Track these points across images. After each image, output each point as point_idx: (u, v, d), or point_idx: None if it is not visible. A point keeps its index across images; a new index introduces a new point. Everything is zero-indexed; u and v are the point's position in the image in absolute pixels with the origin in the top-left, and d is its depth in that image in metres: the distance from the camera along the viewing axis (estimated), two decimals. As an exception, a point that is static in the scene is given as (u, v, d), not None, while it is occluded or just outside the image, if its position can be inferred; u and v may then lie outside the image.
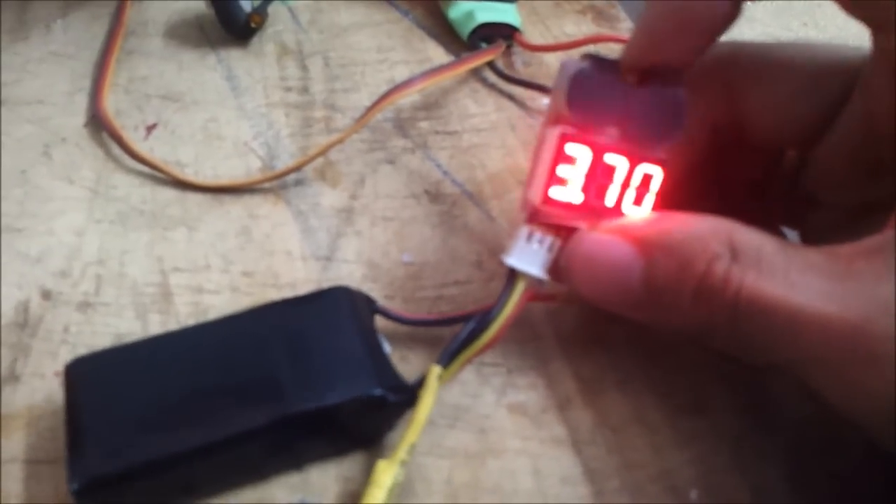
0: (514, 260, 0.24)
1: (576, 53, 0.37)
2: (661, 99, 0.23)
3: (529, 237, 0.24)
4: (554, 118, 0.24)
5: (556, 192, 0.23)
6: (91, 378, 0.22)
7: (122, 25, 0.38)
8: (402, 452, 0.21)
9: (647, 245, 0.21)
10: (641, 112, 0.23)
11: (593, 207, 0.24)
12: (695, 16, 0.23)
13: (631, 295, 0.22)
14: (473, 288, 0.28)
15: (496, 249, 0.29)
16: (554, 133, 0.23)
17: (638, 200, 0.24)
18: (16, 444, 0.23)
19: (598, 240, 0.23)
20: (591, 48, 0.38)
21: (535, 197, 0.23)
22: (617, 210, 0.24)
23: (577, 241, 0.23)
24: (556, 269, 0.24)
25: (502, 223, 0.30)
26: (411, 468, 0.22)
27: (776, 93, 0.25)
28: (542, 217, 0.24)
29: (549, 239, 0.24)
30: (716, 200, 0.24)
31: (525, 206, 0.24)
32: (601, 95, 0.23)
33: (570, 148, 0.23)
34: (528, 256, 0.24)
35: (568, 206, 0.24)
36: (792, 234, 0.28)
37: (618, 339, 0.26)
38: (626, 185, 0.23)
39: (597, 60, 0.24)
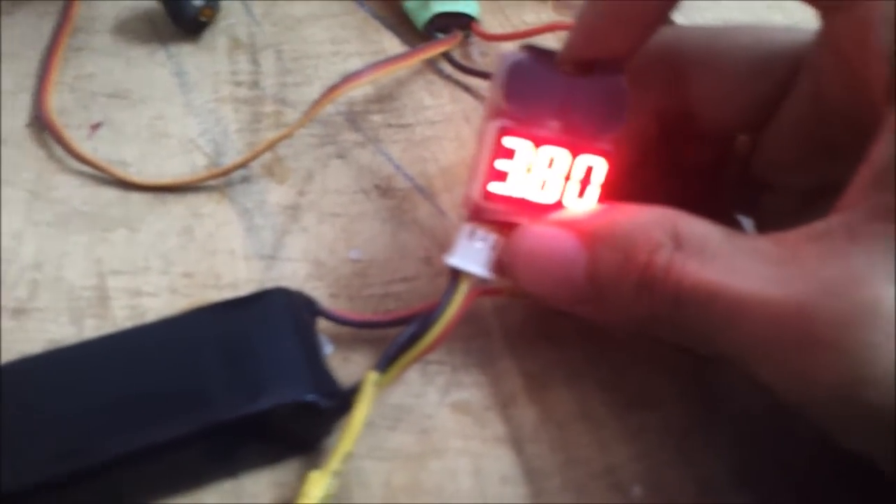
0: (457, 260, 0.23)
1: (535, 42, 0.37)
2: (602, 88, 0.23)
3: (471, 235, 0.23)
4: (493, 111, 0.23)
5: (496, 188, 0.23)
6: (14, 385, 0.21)
7: (70, 22, 0.37)
8: (334, 462, 0.21)
9: (590, 237, 0.21)
10: (582, 102, 0.23)
11: (535, 203, 0.23)
12: (630, 11, 0.22)
13: (575, 289, 0.21)
14: (421, 284, 0.27)
15: (446, 245, 0.28)
16: (492, 126, 0.23)
17: (581, 193, 0.23)
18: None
19: (540, 233, 0.22)
20: (549, 36, 0.37)
21: (475, 193, 0.23)
22: (559, 204, 0.23)
23: (519, 235, 0.22)
24: (500, 264, 0.23)
25: (452, 217, 0.30)
26: (350, 472, 0.22)
27: (721, 77, 0.24)
28: (483, 214, 0.23)
29: (491, 237, 0.23)
30: (667, 189, 0.24)
31: (466, 203, 0.23)
32: (540, 87, 0.23)
33: (509, 141, 0.23)
34: (471, 255, 0.23)
35: (509, 202, 0.23)
36: (748, 224, 0.27)
37: (566, 334, 0.26)
38: (567, 177, 0.23)
39: (534, 51, 0.23)
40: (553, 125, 0.23)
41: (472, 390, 0.24)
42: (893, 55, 0.19)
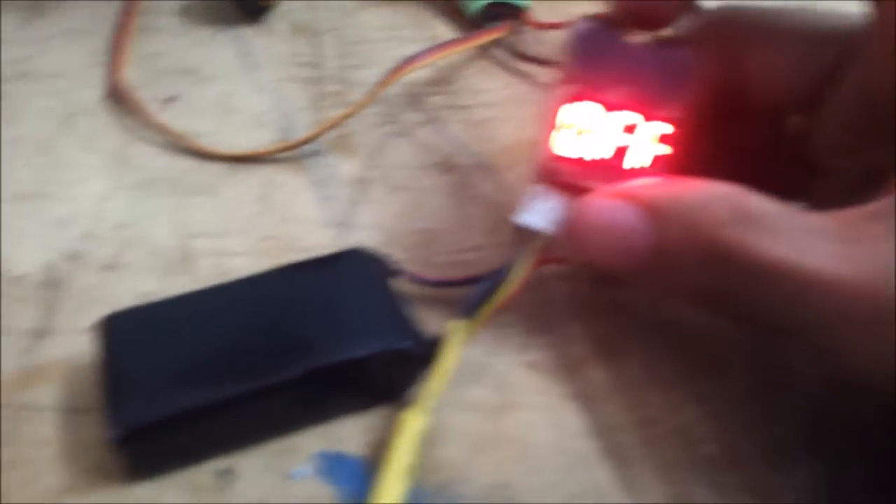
0: (525, 217, 0.24)
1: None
2: (670, 58, 0.24)
3: (539, 196, 0.24)
4: (565, 77, 0.24)
5: (564, 149, 0.24)
6: (124, 333, 0.23)
7: (137, 3, 0.39)
8: (428, 400, 0.22)
9: (654, 210, 0.21)
10: (651, 71, 0.24)
11: (601, 165, 0.24)
12: None
13: (637, 261, 0.22)
14: (486, 254, 0.29)
15: (509, 218, 0.30)
16: (564, 91, 0.24)
17: (647, 158, 0.24)
18: (50, 393, 0.24)
19: (604, 205, 0.23)
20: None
21: (545, 154, 0.24)
22: (626, 168, 0.24)
23: (582, 205, 0.23)
24: (565, 229, 0.24)
25: (515, 193, 0.31)
26: (433, 421, 0.23)
27: (778, 54, 0.25)
28: (551, 175, 0.24)
29: (557, 198, 0.24)
30: (719, 169, 0.25)
31: (536, 168, 0.25)
32: (610, 54, 0.24)
33: (580, 105, 0.24)
34: (538, 214, 0.24)
35: (576, 164, 0.24)
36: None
37: (632, 303, 0.27)
38: (635, 142, 0.24)
39: (605, 20, 0.24)
40: (622, 91, 0.24)
41: (544, 351, 0.26)
42: None
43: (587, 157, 0.24)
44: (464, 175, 0.32)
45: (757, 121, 0.28)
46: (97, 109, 0.34)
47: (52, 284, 0.27)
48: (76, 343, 0.25)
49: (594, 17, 0.24)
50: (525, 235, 0.25)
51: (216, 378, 0.22)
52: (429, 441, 0.23)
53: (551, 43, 0.38)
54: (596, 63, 0.24)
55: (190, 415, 0.21)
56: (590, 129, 0.24)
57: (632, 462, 0.23)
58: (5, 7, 0.39)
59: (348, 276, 0.24)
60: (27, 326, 0.26)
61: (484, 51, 0.37)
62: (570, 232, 0.23)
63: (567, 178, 0.24)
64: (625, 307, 0.27)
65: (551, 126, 0.24)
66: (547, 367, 0.25)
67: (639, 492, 0.22)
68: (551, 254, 0.26)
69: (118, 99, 0.34)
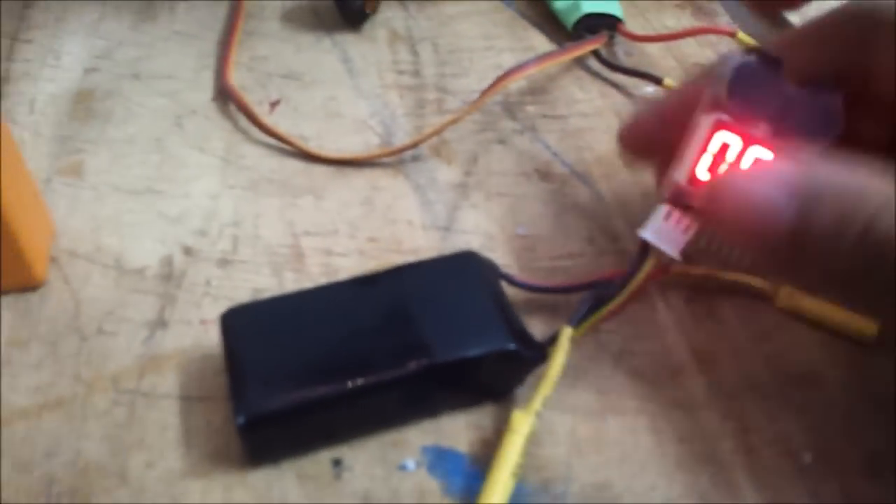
0: (650, 235, 0.25)
1: (678, 45, 0.38)
2: (819, 103, 0.24)
3: (667, 216, 0.25)
4: (711, 105, 0.24)
5: (702, 175, 0.24)
6: (246, 326, 0.24)
7: (243, 8, 0.40)
8: (536, 403, 0.23)
9: (805, 189, 0.21)
10: (797, 113, 0.24)
11: None
12: None
13: (775, 238, 0.21)
14: (585, 261, 0.29)
15: (606, 227, 0.30)
16: (709, 119, 0.24)
17: None
18: (169, 381, 0.25)
19: (753, 176, 0.22)
20: (690, 40, 0.39)
21: (681, 177, 0.24)
22: None
23: (730, 174, 0.23)
24: (703, 204, 0.24)
25: (611, 203, 0.31)
26: (537, 422, 0.24)
27: None
28: (684, 197, 0.25)
29: (685, 221, 0.25)
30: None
31: (667, 186, 0.25)
32: (761, 90, 0.24)
33: (723, 136, 0.24)
34: (664, 234, 0.25)
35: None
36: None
37: (729, 314, 0.27)
38: None
39: (762, 55, 0.25)
40: (765, 128, 0.24)
41: (643, 358, 0.26)
42: None
43: None
44: (560, 183, 0.32)
45: (881, 115, 0.27)
46: (207, 110, 0.35)
47: (168, 278, 0.29)
48: (192, 334, 0.27)
49: (754, 51, 0.25)
50: (646, 246, 0.25)
51: (333, 371, 0.23)
52: (533, 441, 0.23)
53: (644, 55, 0.39)
54: (745, 96, 0.24)
55: (308, 405, 0.22)
56: (729, 160, 0.24)
57: (730, 468, 0.23)
58: (118, 10, 0.41)
59: (461, 278, 0.25)
60: (146, 318, 0.27)
61: (579, 61, 0.38)
62: (712, 196, 0.23)
63: (696, 202, 0.25)
64: (721, 319, 0.27)
65: (699, 151, 0.24)
66: (646, 374, 0.26)
67: (737, 497, 0.23)
68: (662, 268, 0.26)
69: (226, 100, 0.35)
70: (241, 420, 0.22)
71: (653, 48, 0.39)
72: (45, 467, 0.23)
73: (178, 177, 0.32)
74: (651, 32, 0.40)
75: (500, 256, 0.29)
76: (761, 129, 0.24)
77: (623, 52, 0.39)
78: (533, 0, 0.42)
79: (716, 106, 0.24)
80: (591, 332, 0.26)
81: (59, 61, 0.38)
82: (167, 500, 0.23)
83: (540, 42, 0.40)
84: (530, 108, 0.36)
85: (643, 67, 0.37)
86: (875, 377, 0.26)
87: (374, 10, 0.40)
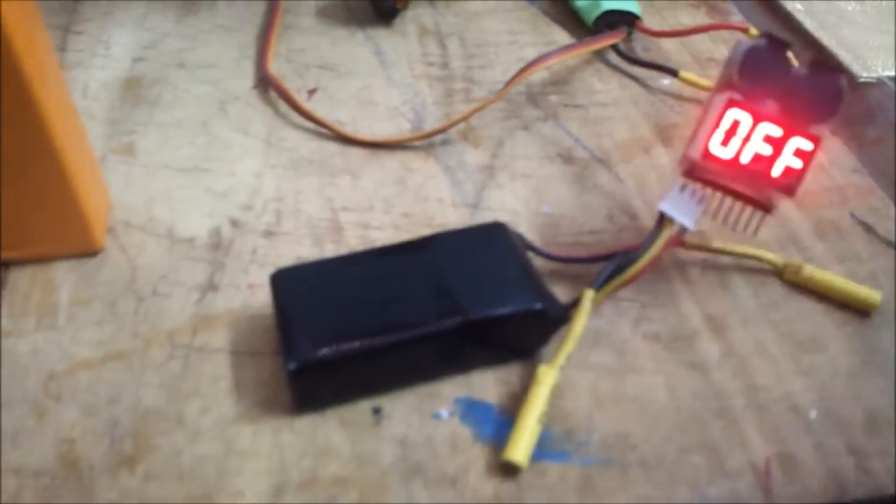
0: (667, 206, 0.27)
1: (693, 39, 0.41)
2: (823, 83, 0.26)
3: (683, 189, 0.27)
4: (724, 85, 0.27)
5: (715, 150, 0.26)
6: (294, 285, 0.26)
7: (280, 4, 0.43)
8: (560, 359, 0.25)
9: None
10: (803, 92, 0.26)
11: (746, 169, 0.26)
12: None
13: None
14: (606, 237, 0.31)
15: (625, 206, 0.32)
16: (722, 98, 0.26)
17: (787, 169, 0.26)
18: (220, 338, 0.27)
19: None
20: (703, 36, 0.41)
21: (696, 152, 0.27)
22: (766, 175, 0.26)
23: None
24: None
25: (630, 185, 0.33)
26: (561, 379, 0.26)
27: None
28: (698, 172, 0.27)
29: (700, 194, 0.27)
30: None
31: (683, 162, 0.27)
32: (769, 71, 0.26)
33: (734, 113, 0.26)
34: (680, 206, 0.27)
35: (723, 164, 0.27)
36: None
37: (740, 286, 0.29)
38: (777, 153, 0.26)
39: (771, 39, 0.27)
40: (774, 106, 0.26)
41: (659, 324, 0.28)
42: None
43: (738, 162, 0.26)
44: (581, 167, 0.34)
45: None
46: (248, 97, 0.37)
47: (217, 247, 0.31)
48: (241, 297, 0.29)
49: (762, 35, 0.27)
50: (664, 218, 0.27)
51: (375, 325, 0.25)
52: (557, 394, 0.25)
53: (661, 50, 0.41)
54: (756, 77, 0.26)
55: (351, 356, 0.24)
56: (741, 136, 0.26)
57: (741, 422, 0.25)
58: (163, 5, 0.43)
59: (491, 245, 0.27)
60: (197, 282, 0.29)
61: (598, 55, 0.40)
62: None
63: (710, 175, 0.27)
64: (732, 289, 0.29)
65: (713, 126, 0.26)
66: (662, 338, 0.28)
67: (746, 447, 0.25)
68: (677, 239, 0.28)
69: (267, 88, 0.38)
70: (291, 366, 0.24)
71: (669, 43, 0.41)
72: (109, 412, 0.25)
73: (224, 157, 0.34)
74: (667, 29, 0.42)
75: (526, 232, 0.31)
76: (769, 107, 0.26)
77: (641, 47, 0.41)
78: (554, -1, 0.44)
79: (728, 86, 0.26)
80: (611, 300, 0.28)
81: (108, 51, 0.40)
82: (221, 442, 0.25)
83: (562, 37, 0.42)
84: (553, 98, 0.38)
85: (660, 61, 0.39)
86: (876, 344, 0.27)
87: (405, 7, 0.42)
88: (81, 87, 0.38)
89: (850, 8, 0.46)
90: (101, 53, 0.40)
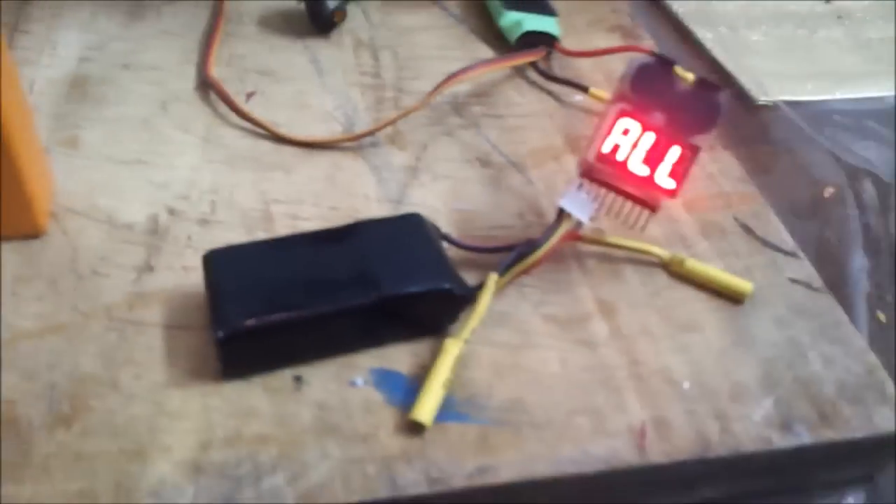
0: (566, 203, 0.30)
1: (605, 60, 0.44)
2: (705, 99, 0.30)
3: (580, 187, 0.30)
4: (617, 97, 0.30)
5: (607, 154, 0.30)
6: (225, 263, 0.29)
7: (223, 12, 0.45)
8: (465, 332, 0.28)
9: None
10: (687, 105, 0.30)
11: (633, 172, 0.30)
12: None
13: None
14: (515, 232, 0.34)
15: (534, 206, 0.36)
16: (615, 108, 0.30)
17: (670, 174, 0.30)
18: (155, 314, 0.30)
19: None
20: (616, 56, 0.45)
21: (591, 155, 0.30)
22: (651, 178, 0.30)
23: None
24: None
25: (540, 187, 0.37)
26: (466, 352, 0.29)
27: None
28: (593, 172, 0.30)
29: (594, 192, 0.30)
30: None
31: (581, 163, 0.31)
32: (657, 85, 0.30)
33: (625, 122, 0.30)
34: (577, 203, 0.30)
35: (615, 166, 0.30)
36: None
37: (630, 275, 0.33)
38: (660, 159, 0.30)
39: (659, 58, 0.30)
40: (660, 117, 0.30)
41: (556, 307, 0.31)
42: None
43: (621, 163, 0.30)
44: (497, 170, 0.37)
45: None
46: (190, 98, 0.40)
47: (154, 232, 0.33)
48: (175, 278, 0.31)
49: (652, 54, 0.30)
50: (562, 213, 0.30)
51: (299, 300, 0.27)
52: (462, 365, 0.28)
53: (576, 69, 0.44)
54: (645, 90, 0.30)
55: (276, 326, 0.27)
56: (630, 142, 0.30)
57: (622, 391, 0.28)
58: (109, 10, 0.46)
59: (408, 233, 0.30)
60: (134, 263, 0.32)
61: (519, 71, 0.44)
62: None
63: (604, 176, 0.30)
64: (623, 278, 0.32)
65: (605, 132, 0.30)
66: (559, 319, 0.31)
67: (626, 412, 0.28)
68: (575, 233, 0.32)
69: (208, 89, 0.40)
70: (220, 334, 0.26)
71: (584, 63, 0.45)
72: (48, 377, 0.28)
73: (164, 151, 0.37)
74: (584, 49, 0.45)
75: (443, 225, 0.34)
76: (657, 118, 0.30)
77: (558, 66, 0.45)
78: (482, 18, 0.47)
79: (621, 97, 0.30)
80: (516, 286, 0.32)
81: (55, 51, 0.42)
82: (152, 404, 0.27)
83: (487, 54, 0.45)
84: (475, 108, 0.41)
85: (575, 79, 0.43)
86: (746, 327, 0.31)
87: (342, 20, 0.45)
88: (28, 84, 0.40)
89: (754, 38, 0.51)
90: (48, 52, 0.42)
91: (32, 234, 0.32)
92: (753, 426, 0.28)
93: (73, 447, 0.26)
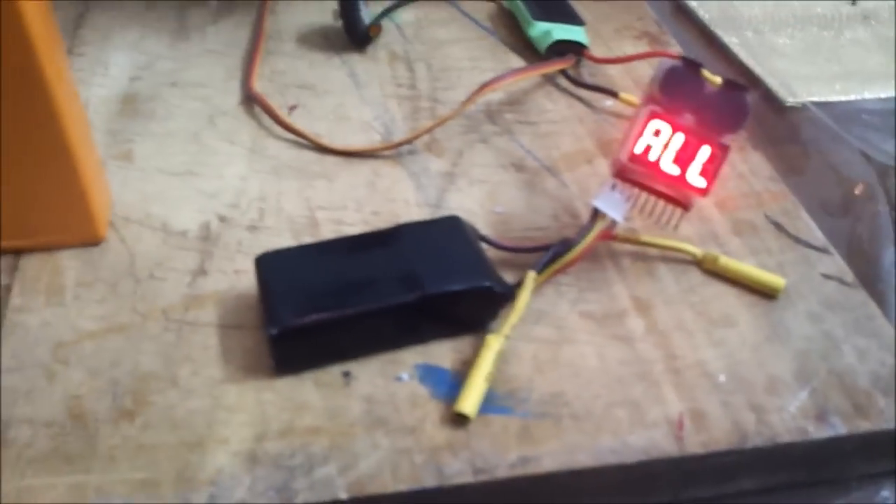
0: (600, 203, 0.31)
1: (634, 66, 0.45)
2: (732, 99, 0.31)
3: (613, 187, 0.32)
4: (647, 100, 0.31)
5: (639, 154, 0.31)
6: (276, 265, 0.30)
7: (263, 31, 0.47)
8: (506, 328, 0.29)
9: None
10: (715, 106, 0.31)
11: (665, 172, 0.31)
12: None
13: None
14: (550, 233, 0.35)
15: (568, 207, 0.37)
16: (645, 110, 0.31)
17: (701, 172, 0.31)
18: (210, 314, 0.31)
19: None
20: (643, 62, 0.46)
21: (624, 155, 0.31)
22: (682, 177, 0.31)
23: None
24: None
25: (574, 189, 0.38)
26: (507, 348, 0.30)
27: None
28: (626, 172, 0.31)
29: (627, 191, 0.32)
30: None
31: (614, 164, 0.32)
32: (685, 87, 0.31)
33: (656, 123, 0.31)
34: (611, 202, 0.31)
35: (647, 166, 0.31)
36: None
37: (664, 273, 0.34)
38: (690, 159, 0.31)
39: (686, 61, 0.31)
40: (690, 118, 0.31)
41: (593, 304, 0.32)
42: None
43: (654, 163, 0.31)
44: (531, 174, 0.39)
45: None
46: (235, 112, 0.42)
47: (206, 238, 0.35)
48: (228, 281, 0.33)
49: (680, 58, 0.31)
50: (597, 212, 0.32)
51: (346, 299, 0.29)
52: (503, 360, 0.29)
53: (605, 76, 0.45)
54: (674, 92, 0.31)
55: (326, 324, 0.28)
56: (661, 143, 0.31)
57: (659, 384, 0.29)
58: (157, 31, 0.48)
59: (448, 234, 0.31)
60: (188, 268, 0.33)
61: (549, 79, 0.45)
62: None
63: (636, 176, 0.31)
64: (657, 276, 0.33)
65: (637, 134, 0.31)
66: (595, 315, 0.32)
67: (663, 404, 0.29)
68: (609, 232, 0.33)
69: (252, 104, 0.42)
70: (273, 331, 0.28)
71: (613, 69, 0.46)
72: (111, 374, 0.29)
73: (213, 163, 0.39)
74: (612, 56, 0.47)
75: (480, 228, 0.35)
76: (686, 119, 0.31)
77: (588, 73, 0.46)
78: (512, 30, 0.49)
79: (651, 100, 0.31)
80: (553, 284, 0.33)
81: (107, 71, 0.44)
82: (209, 399, 0.29)
83: (518, 64, 0.47)
84: (508, 116, 0.42)
85: (604, 85, 0.44)
86: (779, 321, 0.32)
87: (377, 35, 0.47)
88: (83, 103, 0.42)
89: (780, 41, 0.52)
90: (100, 73, 0.44)
91: (93, 241, 0.34)
92: (789, 417, 0.29)
93: (136, 439, 0.27)
